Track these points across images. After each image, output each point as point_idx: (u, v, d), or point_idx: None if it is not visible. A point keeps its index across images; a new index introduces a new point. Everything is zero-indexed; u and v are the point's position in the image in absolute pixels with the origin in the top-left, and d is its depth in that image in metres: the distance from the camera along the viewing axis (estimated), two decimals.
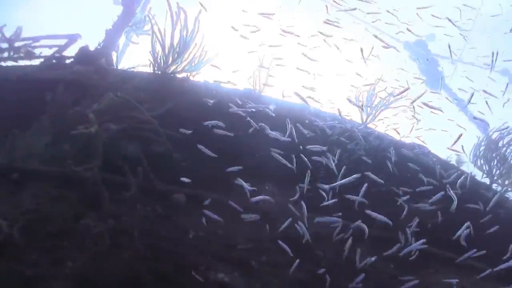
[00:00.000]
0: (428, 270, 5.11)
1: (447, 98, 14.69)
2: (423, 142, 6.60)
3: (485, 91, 6.51)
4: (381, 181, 5.24)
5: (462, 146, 6.34)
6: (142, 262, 4.35)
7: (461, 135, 5.86)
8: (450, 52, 8.34)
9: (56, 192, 4.65)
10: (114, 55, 6.90)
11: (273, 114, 5.70)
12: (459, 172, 6.19)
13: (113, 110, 5.03)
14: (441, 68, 15.48)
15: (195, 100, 5.59)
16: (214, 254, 4.60)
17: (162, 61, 6.07)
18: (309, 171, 5.14)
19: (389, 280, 4.99)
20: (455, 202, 5.29)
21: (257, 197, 4.86)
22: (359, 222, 4.94)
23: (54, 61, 6.18)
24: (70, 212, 4.49)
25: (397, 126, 6.87)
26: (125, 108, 5.11)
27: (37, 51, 6.26)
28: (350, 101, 6.01)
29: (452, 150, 6.37)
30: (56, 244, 4.27)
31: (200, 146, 4.98)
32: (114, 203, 4.61)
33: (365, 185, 5.05)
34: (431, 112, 5.91)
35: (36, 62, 6.23)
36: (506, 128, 6.71)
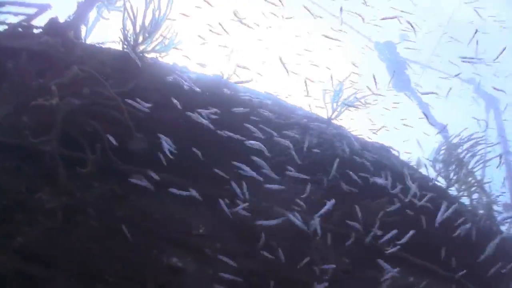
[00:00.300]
0: (381, 268, 5.18)
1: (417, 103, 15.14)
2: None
3: (424, 93, 6.66)
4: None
5: (419, 144, 6.44)
6: (95, 241, 4.29)
7: (444, 127, 5.90)
8: (412, 27, 8.31)
9: (11, 164, 4.55)
10: (83, 29, 6.74)
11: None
12: (419, 173, 6.31)
13: (77, 84, 4.92)
14: (408, 71, 15.79)
15: (161, 80, 5.50)
16: (169, 238, 4.57)
17: (132, 39, 5.96)
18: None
19: (342, 275, 5.05)
20: (413, 192, 5.33)
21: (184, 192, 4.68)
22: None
23: (20, 29, 6.00)
24: (24, 185, 4.40)
25: (356, 123, 6.92)
26: (89, 83, 5.01)
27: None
28: (283, 65, 5.82)
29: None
30: (7, 217, 4.18)
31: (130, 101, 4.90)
32: (71, 179, 4.52)
33: (326, 179, 5.08)
34: (385, 108, 5.96)
35: None
36: (486, 135, 6.84)
